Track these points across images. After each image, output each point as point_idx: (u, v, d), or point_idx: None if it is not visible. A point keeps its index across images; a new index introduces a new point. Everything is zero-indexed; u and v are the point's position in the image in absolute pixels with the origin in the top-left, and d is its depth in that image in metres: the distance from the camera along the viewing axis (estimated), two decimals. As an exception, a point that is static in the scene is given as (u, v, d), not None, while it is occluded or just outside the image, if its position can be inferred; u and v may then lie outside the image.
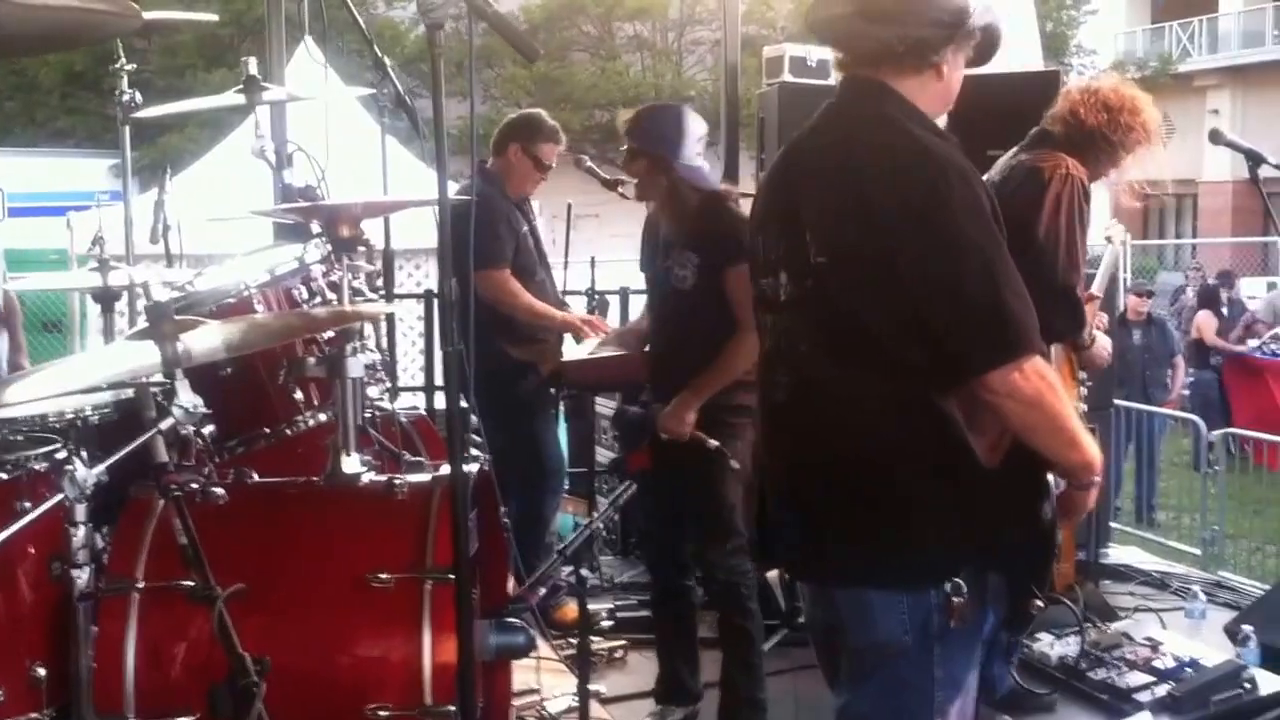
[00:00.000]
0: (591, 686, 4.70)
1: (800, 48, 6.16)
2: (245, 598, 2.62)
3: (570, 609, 5.30)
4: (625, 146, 4.45)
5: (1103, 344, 4.55)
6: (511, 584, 3.99)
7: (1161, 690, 4.74)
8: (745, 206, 4.59)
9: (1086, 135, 4.26)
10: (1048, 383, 2.46)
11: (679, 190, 4.33)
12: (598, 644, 5.40)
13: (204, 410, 2.65)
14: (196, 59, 21.62)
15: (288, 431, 3.40)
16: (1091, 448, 2.55)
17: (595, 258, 7.28)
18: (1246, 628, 5.13)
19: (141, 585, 2.85)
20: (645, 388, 4.72)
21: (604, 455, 7.46)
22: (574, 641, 4.06)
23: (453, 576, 2.73)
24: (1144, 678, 4.87)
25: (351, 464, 3.07)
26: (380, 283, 4.19)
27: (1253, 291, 16.74)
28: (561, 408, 7.11)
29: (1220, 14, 32.53)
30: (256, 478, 3.14)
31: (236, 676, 2.43)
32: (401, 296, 7.27)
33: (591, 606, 5.58)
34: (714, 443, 4.18)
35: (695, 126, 4.38)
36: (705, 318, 4.24)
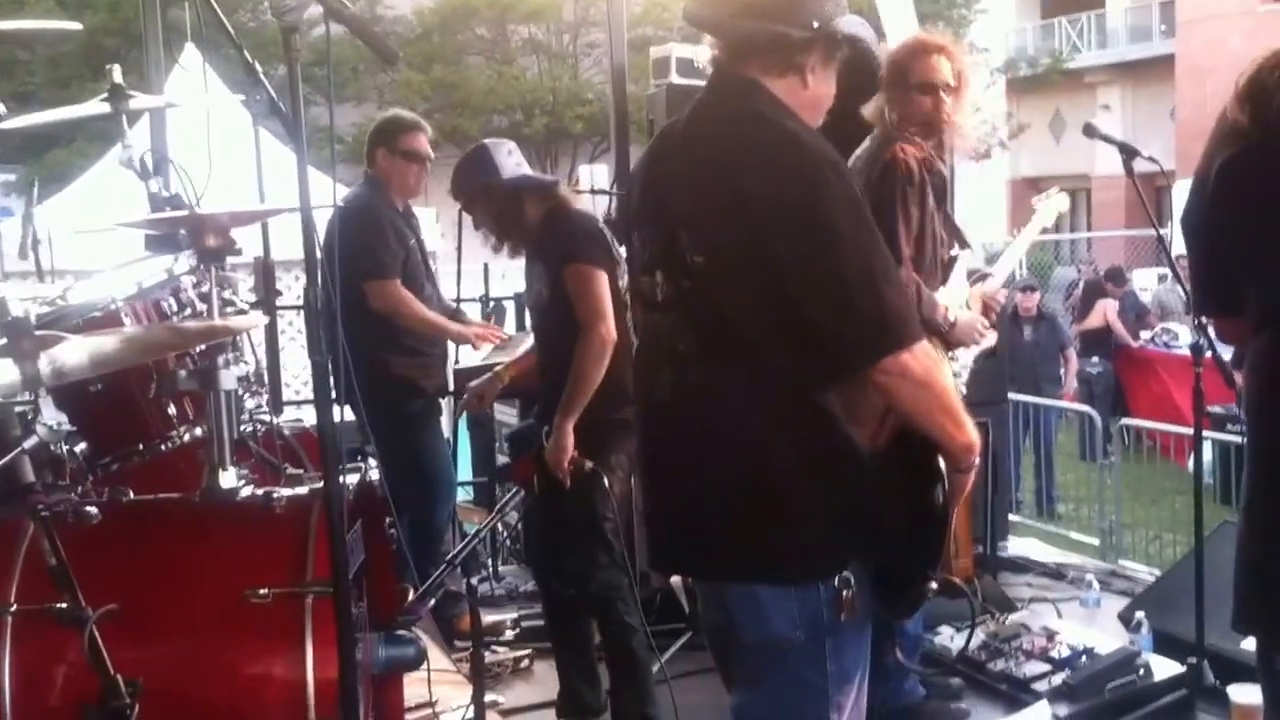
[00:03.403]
0: (491, 697, 4.68)
1: (687, 48, 6.14)
2: (119, 618, 2.57)
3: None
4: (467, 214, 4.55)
5: (967, 320, 4.46)
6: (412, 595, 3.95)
7: (1058, 679, 4.79)
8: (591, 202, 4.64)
9: (885, 88, 4.20)
10: (934, 361, 2.48)
11: (518, 209, 4.37)
12: (502, 654, 5.35)
13: (69, 428, 2.57)
14: (82, 70, 21.15)
15: (162, 447, 3.30)
16: (973, 430, 2.56)
17: (488, 264, 7.21)
18: (1140, 614, 5.20)
19: (14, 609, 2.77)
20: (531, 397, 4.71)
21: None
22: (476, 652, 4.01)
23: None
24: (1041, 667, 4.92)
25: (228, 479, 3.00)
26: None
27: (1144, 284, 17.05)
28: (463, 418, 7.06)
29: (1108, 10, 33.20)
30: (132, 495, 3.05)
31: (108, 699, 2.37)
32: (283, 308, 7.13)
33: (496, 616, 5.59)
34: (589, 464, 4.12)
35: (498, 147, 4.46)
36: (568, 327, 4.21)
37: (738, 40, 2.64)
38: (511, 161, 4.43)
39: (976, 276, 4.69)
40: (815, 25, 2.58)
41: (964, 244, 4.52)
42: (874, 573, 2.58)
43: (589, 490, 4.17)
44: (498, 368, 4.83)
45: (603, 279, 4.18)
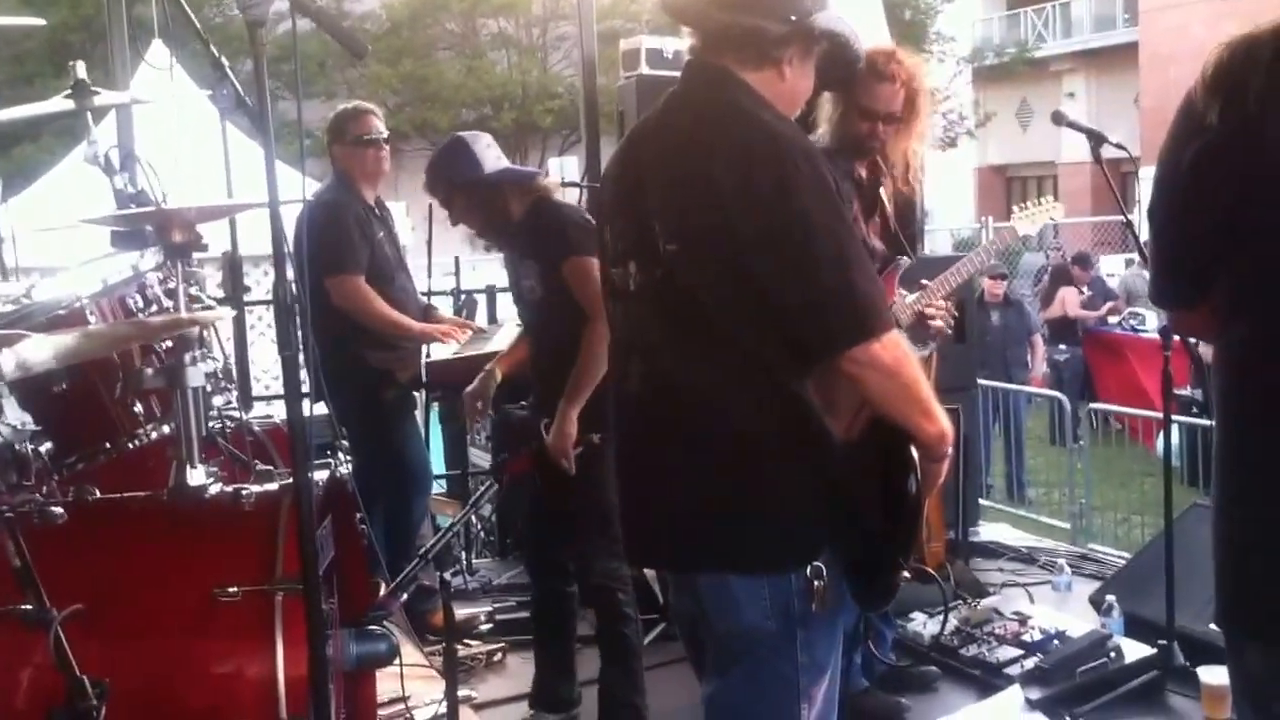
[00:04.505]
0: (464, 691, 4.67)
1: (656, 39, 6.13)
2: (86, 619, 2.55)
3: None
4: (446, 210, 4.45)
5: None
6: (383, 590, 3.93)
7: (1030, 663, 4.83)
8: (561, 195, 4.61)
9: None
10: (904, 352, 2.48)
11: (502, 204, 4.31)
12: (475, 648, 5.34)
13: (33, 427, 2.54)
14: (45, 66, 20.94)
15: (130, 445, 3.26)
16: (944, 419, 2.56)
17: (459, 258, 7.21)
18: (1110, 598, 5.24)
19: (-23, 611, 2.74)
20: (517, 386, 4.67)
21: (477, 457, 7.40)
22: (450, 646, 3.99)
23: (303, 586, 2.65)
24: (1014, 651, 4.97)
25: (197, 476, 2.97)
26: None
27: (1112, 269, 17.11)
28: (435, 410, 7.05)
29: (1072, -1, 33.36)
30: (98, 494, 3.02)
31: (75, 700, 2.35)
32: (251, 303, 7.11)
33: (470, 609, 5.57)
34: (597, 436, 4.09)
35: (477, 140, 4.39)
36: (564, 321, 4.16)
37: (714, 32, 2.64)
38: (491, 155, 4.36)
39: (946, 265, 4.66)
40: (792, 19, 2.58)
41: (905, 254, 4.49)
42: (847, 562, 2.59)
43: (595, 474, 4.13)
44: (489, 366, 4.78)
45: None
